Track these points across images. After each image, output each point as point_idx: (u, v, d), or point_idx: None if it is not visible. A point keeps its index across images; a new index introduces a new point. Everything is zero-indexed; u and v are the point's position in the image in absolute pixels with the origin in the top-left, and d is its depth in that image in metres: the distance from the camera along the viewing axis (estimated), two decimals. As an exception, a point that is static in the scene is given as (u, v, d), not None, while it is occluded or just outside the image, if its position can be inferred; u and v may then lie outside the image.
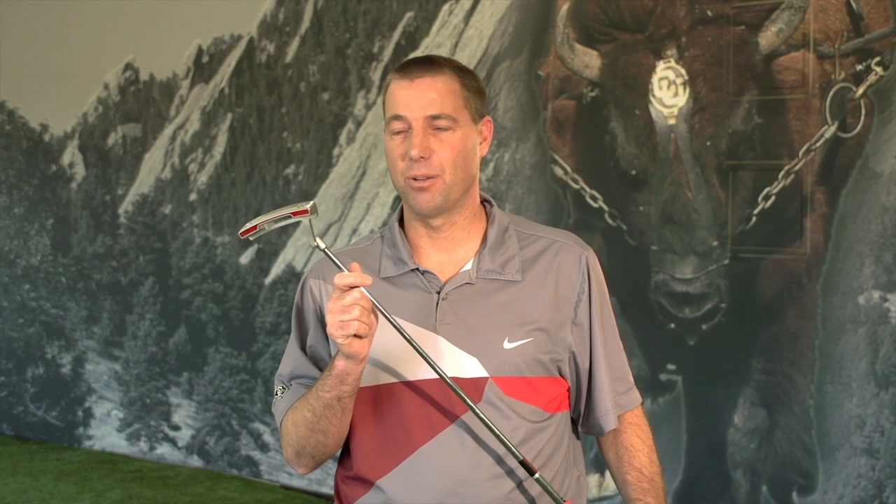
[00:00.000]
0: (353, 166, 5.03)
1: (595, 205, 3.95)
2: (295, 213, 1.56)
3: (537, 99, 4.36)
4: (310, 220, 1.56)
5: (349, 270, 1.49)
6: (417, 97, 1.60)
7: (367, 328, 1.49)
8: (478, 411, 1.52)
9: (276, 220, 1.59)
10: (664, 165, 3.78)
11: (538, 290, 1.62)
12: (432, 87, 1.60)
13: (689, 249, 3.74)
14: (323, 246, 1.54)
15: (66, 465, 5.34)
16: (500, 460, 1.57)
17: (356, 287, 1.48)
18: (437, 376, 1.54)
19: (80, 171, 5.75)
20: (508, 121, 4.37)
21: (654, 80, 3.77)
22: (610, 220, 3.87)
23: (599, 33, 4.02)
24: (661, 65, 3.72)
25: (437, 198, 1.59)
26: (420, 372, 1.58)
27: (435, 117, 1.58)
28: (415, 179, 1.59)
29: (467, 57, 4.48)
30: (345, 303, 1.48)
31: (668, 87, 3.75)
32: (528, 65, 4.28)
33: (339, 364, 1.51)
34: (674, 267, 3.79)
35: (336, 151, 5.03)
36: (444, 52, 4.70)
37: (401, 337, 1.53)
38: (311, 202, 1.57)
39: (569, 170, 4.07)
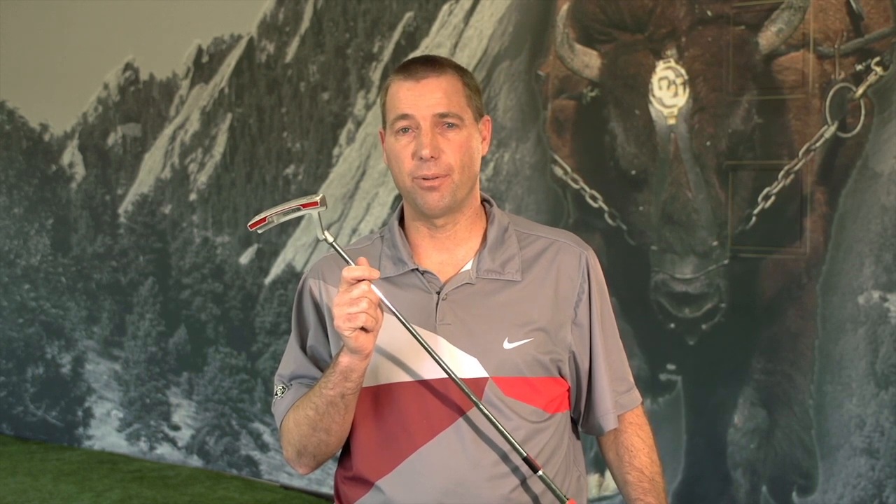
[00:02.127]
0: (353, 166, 5.01)
1: (595, 205, 3.96)
2: (304, 205, 1.55)
3: (537, 99, 4.37)
4: (318, 213, 1.56)
5: (356, 264, 1.49)
6: (425, 97, 1.60)
7: (374, 322, 1.48)
8: (482, 407, 1.52)
9: (286, 213, 1.59)
10: (664, 165, 3.78)
11: (538, 290, 1.62)
12: (438, 86, 1.60)
13: (689, 249, 3.74)
14: (331, 239, 1.55)
15: (65, 465, 5.35)
16: (500, 461, 1.57)
17: (363, 280, 1.48)
18: (438, 376, 1.54)
19: (79, 171, 5.75)
20: (508, 121, 4.39)
21: (654, 80, 3.80)
22: (610, 220, 3.87)
23: (599, 33, 4.02)
24: (660, 65, 3.73)
25: (446, 197, 1.59)
26: (420, 372, 1.58)
27: (443, 115, 1.59)
28: (424, 179, 1.59)
29: (467, 57, 4.50)
30: (352, 295, 1.47)
31: (668, 87, 3.75)
32: (528, 65, 4.30)
33: (344, 360, 1.50)
34: (674, 267, 3.79)
35: (336, 151, 5.01)
36: (443, 52, 4.67)
37: (401, 337, 1.53)
38: (321, 195, 1.56)
39: (569, 170, 4.08)
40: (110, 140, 5.65)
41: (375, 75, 4.89)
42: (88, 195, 5.73)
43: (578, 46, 4.02)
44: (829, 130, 3.50)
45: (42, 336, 5.85)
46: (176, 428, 5.48)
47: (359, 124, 4.97)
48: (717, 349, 3.73)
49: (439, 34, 4.79)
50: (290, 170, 5.16)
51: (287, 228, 5.17)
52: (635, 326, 3.84)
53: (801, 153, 3.54)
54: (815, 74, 3.53)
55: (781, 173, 3.59)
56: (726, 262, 3.69)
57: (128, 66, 5.57)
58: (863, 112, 3.42)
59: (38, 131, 5.82)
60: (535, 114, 4.27)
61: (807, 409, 3.54)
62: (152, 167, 5.57)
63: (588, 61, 4.01)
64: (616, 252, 3.93)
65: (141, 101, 5.58)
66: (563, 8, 4.05)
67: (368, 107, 4.91)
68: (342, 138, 5.00)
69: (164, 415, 5.48)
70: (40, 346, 5.84)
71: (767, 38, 3.65)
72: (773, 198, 3.63)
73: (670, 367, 3.93)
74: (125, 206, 5.60)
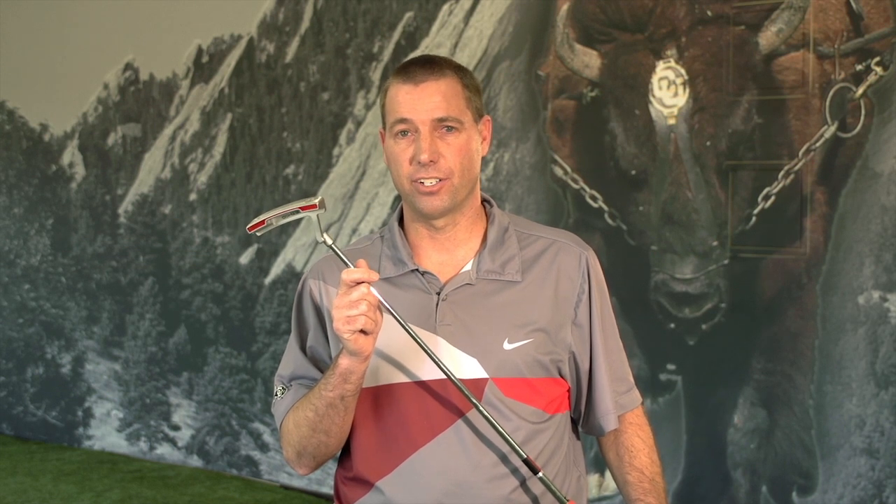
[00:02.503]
0: (353, 166, 4.97)
1: (595, 205, 3.98)
2: (303, 208, 1.55)
3: (537, 99, 4.36)
4: (317, 216, 1.56)
5: (356, 266, 1.50)
6: (423, 101, 1.59)
7: (374, 324, 1.48)
8: (482, 409, 1.52)
9: (284, 216, 1.60)
10: (664, 165, 3.79)
11: (538, 291, 1.62)
12: (437, 90, 1.59)
13: (689, 249, 3.76)
14: (330, 242, 1.55)
15: (65, 464, 5.36)
16: (500, 461, 1.57)
17: (363, 283, 1.49)
18: (437, 377, 1.55)
19: (79, 171, 5.73)
20: (508, 121, 4.38)
21: (654, 80, 3.82)
22: (610, 220, 3.89)
23: (599, 33, 4.03)
24: (660, 65, 3.76)
25: (446, 201, 1.58)
26: (421, 372, 1.58)
27: (442, 120, 1.58)
28: (422, 183, 1.58)
29: (467, 57, 4.48)
30: (351, 298, 1.47)
31: (668, 87, 3.78)
32: (528, 65, 4.29)
33: (343, 362, 1.51)
34: (674, 267, 3.80)
35: (336, 151, 4.96)
36: (443, 52, 4.65)
37: (401, 338, 1.53)
38: (320, 197, 1.56)
39: (569, 170, 4.10)
40: (110, 140, 5.63)
41: (375, 75, 4.84)
42: (88, 195, 5.71)
43: (578, 46, 4.03)
44: (829, 130, 3.52)
45: (42, 336, 5.84)
46: (176, 428, 5.47)
47: (359, 124, 4.92)
48: (717, 349, 3.74)
49: (439, 34, 4.73)
50: (290, 170, 5.12)
51: (287, 229, 5.12)
52: (635, 326, 3.85)
53: (801, 153, 3.56)
54: (815, 74, 3.55)
55: (781, 173, 3.60)
56: (726, 262, 3.71)
57: (128, 66, 5.55)
58: (863, 112, 3.42)
59: (38, 131, 5.80)
60: (535, 114, 4.26)
61: (807, 409, 3.55)
62: (152, 167, 5.55)
63: (588, 61, 4.02)
64: (616, 252, 3.94)
65: (141, 101, 5.55)
66: (563, 8, 4.06)
67: (368, 107, 4.87)
68: (342, 138, 4.95)
69: (163, 415, 5.48)
70: (40, 346, 5.83)
71: (767, 38, 3.66)
72: (773, 198, 3.64)
73: (670, 367, 3.94)
74: (125, 206, 5.58)
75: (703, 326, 3.75)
